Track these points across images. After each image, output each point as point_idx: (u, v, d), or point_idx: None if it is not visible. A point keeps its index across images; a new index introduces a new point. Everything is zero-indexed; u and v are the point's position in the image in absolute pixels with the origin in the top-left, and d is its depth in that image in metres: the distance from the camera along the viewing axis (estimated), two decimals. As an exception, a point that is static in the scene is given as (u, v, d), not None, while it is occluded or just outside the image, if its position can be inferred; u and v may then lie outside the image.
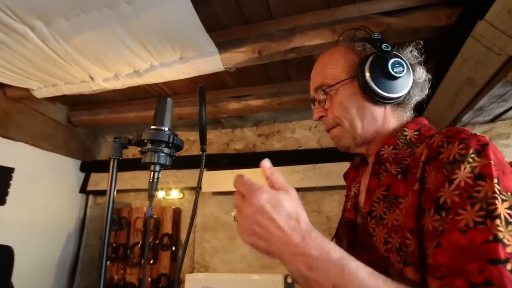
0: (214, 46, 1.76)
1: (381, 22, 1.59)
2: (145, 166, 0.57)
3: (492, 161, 0.45)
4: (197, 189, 0.57)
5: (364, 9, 1.59)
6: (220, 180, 2.63)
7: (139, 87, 2.23)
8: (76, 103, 2.82)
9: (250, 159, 2.75)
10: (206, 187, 2.68)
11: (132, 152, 3.11)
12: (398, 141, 0.63)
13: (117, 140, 0.56)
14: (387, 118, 0.67)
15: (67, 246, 2.82)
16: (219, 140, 3.00)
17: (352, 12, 1.60)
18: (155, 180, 0.55)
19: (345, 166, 2.45)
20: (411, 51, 0.68)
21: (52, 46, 1.66)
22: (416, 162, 0.54)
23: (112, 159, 0.56)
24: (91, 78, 2.02)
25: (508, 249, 0.40)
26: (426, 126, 0.65)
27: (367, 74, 0.62)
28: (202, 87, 0.59)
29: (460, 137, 0.49)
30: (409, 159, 0.57)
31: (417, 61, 0.68)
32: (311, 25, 1.70)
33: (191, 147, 3.07)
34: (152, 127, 0.56)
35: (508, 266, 0.39)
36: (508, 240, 0.40)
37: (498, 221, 0.41)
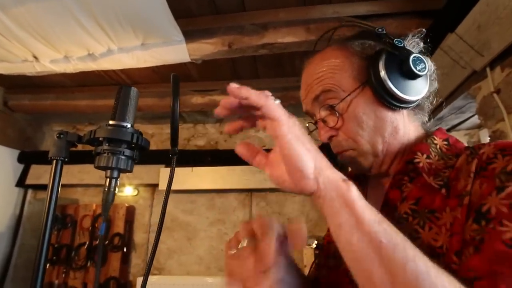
0: (180, 34, 1.63)
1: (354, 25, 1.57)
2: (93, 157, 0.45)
3: None
4: (165, 195, 0.46)
5: (339, 11, 1.57)
6: (179, 177, 2.48)
7: (92, 73, 2.01)
8: (15, 84, 2.48)
9: (212, 157, 2.64)
10: (163, 185, 2.52)
11: (81, 143, 2.83)
12: (430, 150, 0.53)
13: (62, 136, 0.44)
14: (407, 126, 0.57)
15: (-2, 247, 2.49)
16: (179, 135, 2.82)
17: (327, 12, 1.57)
18: (112, 190, 0.44)
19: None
20: (416, 41, 0.58)
21: (-15, 16, 1.41)
22: (457, 175, 0.47)
23: (55, 160, 0.44)
24: (35, 57, 1.77)
25: None
26: (453, 137, 0.56)
27: (383, 76, 0.52)
28: (176, 77, 0.47)
29: None
30: (447, 171, 0.49)
31: (423, 51, 0.57)
32: (285, 22, 1.64)
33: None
34: (111, 122, 0.44)
35: None
36: None
37: None
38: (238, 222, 2.51)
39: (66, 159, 0.45)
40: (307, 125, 0.63)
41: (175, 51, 1.71)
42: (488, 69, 1.22)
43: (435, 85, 0.59)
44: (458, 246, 0.42)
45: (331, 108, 0.56)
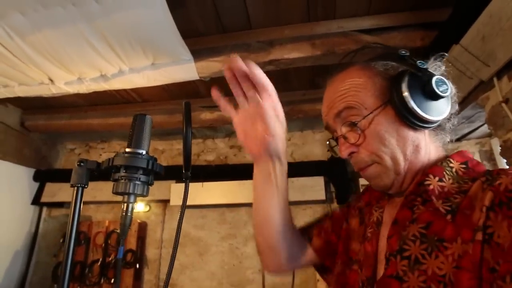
0: (189, 54, 1.67)
1: (359, 39, 1.60)
2: (107, 176, 0.48)
3: None
4: (180, 218, 0.49)
5: (343, 26, 1.59)
6: (189, 193, 2.49)
7: (104, 92, 2.08)
8: (31, 106, 2.57)
9: (222, 171, 2.66)
10: (174, 200, 2.54)
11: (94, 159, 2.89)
12: (444, 173, 0.53)
13: (82, 164, 0.46)
14: (428, 146, 0.58)
15: (14, 265, 2.52)
16: (189, 150, 2.87)
17: (331, 28, 1.60)
18: (129, 214, 0.46)
19: (317, 180, 2.46)
20: (437, 64, 0.59)
21: (4, 42, 1.48)
22: (471, 203, 0.46)
23: (76, 187, 0.46)
24: (51, 80, 1.84)
25: None
26: (474, 160, 0.56)
27: (406, 96, 0.53)
28: (188, 104, 0.50)
29: None
30: (459, 197, 0.48)
31: (443, 73, 0.59)
32: (290, 38, 1.67)
33: (159, 158, 2.92)
34: (127, 150, 0.46)
35: None
36: None
37: None
38: (250, 236, 2.51)
39: (86, 186, 0.47)
40: (328, 142, 0.66)
41: (184, 69, 1.76)
42: (495, 79, 1.22)
43: (456, 107, 0.59)
44: (469, 285, 0.41)
45: (353, 125, 0.57)
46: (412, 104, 0.53)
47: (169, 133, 2.84)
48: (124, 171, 0.46)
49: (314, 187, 2.39)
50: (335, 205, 2.46)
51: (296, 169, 2.50)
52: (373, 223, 0.61)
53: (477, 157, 1.98)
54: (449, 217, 0.47)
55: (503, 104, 1.18)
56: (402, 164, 0.56)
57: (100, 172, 0.48)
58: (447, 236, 0.46)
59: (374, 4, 1.50)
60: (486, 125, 1.50)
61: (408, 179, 0.57)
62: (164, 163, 2.85)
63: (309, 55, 1.66)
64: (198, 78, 1.83)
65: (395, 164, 0.56)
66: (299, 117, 2.38)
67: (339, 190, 2.41)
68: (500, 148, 1.30)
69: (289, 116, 2.37)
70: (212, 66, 1.78)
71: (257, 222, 0.71)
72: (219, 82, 2.21)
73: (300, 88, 2.24)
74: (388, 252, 0.52)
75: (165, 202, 2.69)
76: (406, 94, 0.53)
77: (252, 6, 1.50)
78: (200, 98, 2.41)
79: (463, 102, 1.48)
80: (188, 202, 2.51)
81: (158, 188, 2.62)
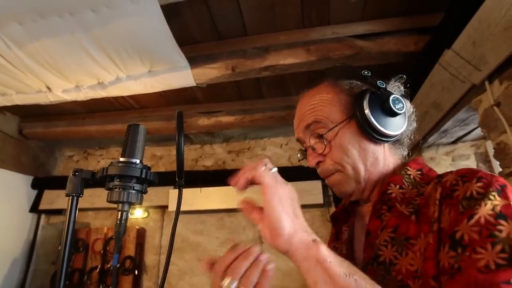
0: (185, 61, 1.69)
1: (354, 44, 1.62)
2: (105, 184, 0.49)
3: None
4: (173, 225, 0.49)
5: (338, 31, 1.62)
6: (188, 198, 2.51)
7: (102, 99, 2.09)
8: (29, 113, 2.58)
9: (220, 176, 2.67)
10: (173, 206, 2.55)
11: (91, 167, 2.89)
12: (404, 180, 0.59)
13: (77, 173, 0.47)
14: (387, 158, 0.64)
15: (12, 273, 2.52)
16: (187, 157, 2.88)
17: (326, 34, 1.62)
18: (123, 222, 0.47)
19: (315, 185, 2.46)
20: (397, 85, 0.65)
21: (2, 52, 1.50)
22: (426, 202, 0.52)
23: (70, 197, 0.47)
24: (48, 88, 1.85)
25: None
26: (427, 167, 0.62)
27: (367, 112, 0.58)
28: (181, 114, 0.51)
29: (478, 176, 0.47)
30: (418, 199, 0.54)
31: (402, 94, 0.65)
32: (286, 44, 1.69)
33: (157, 163, 2.92)
34: (121, 159, 0.47)
35: None
36: None
37: None
38: (248, 241, 2.51)
39: (81, 195, 0.48)
40: (297, 152, 0.71)
41: (181, 76, 1.77)
42: (486, 83, 1.24)
43: (414, 125, 0.66)
44: (434, 271, 0.45)
45: (320, 137, 0.63)
46: (372, 119, 0.58)
47: (167, 139, 2.85)
48: (118, 180, 0.47)
49: (312, 191, 2.40)
50: (332, 209, 2.46)
51: (294, 174, 2.51)
52: (345, 240, 0.66)
53: (472, 159, 2.00)
54: (413, 217, 0.52)
55: (495, 107, 1.20)
56: (362, 173, 0.61)
57: (95, 182, 0.49)
58: (411, 234, 0.51)
59: (368, 9, 1.52)
60: (480, 128, 1.52)
61: (369, 187, 0.63)
62: (162, 169, 2.86)
63: (304, 61, 1.68)
64: (195, 84, 1.84)
65: (356, 173, 0.61)
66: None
67: (336, 194, 2.42)
68: (494, 151, 1.32)
69: (285, 121, 2.41)
70: (209, 72, 1.79)
71: None
72: (216, 87, 2.22)
73: (296, 93, 2.22)
74: (364, 262, 0.55)
75: (164, 208, 2.69)
76: (367, 110, 0.59)
77: (248, 13, 1.52)
78: (197, 104, 2.43)
79: (457, 106, 1.50)
80: (187, 208, 2.51)
81: (156, 194, 2.62)
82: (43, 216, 2.85)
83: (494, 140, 1.28)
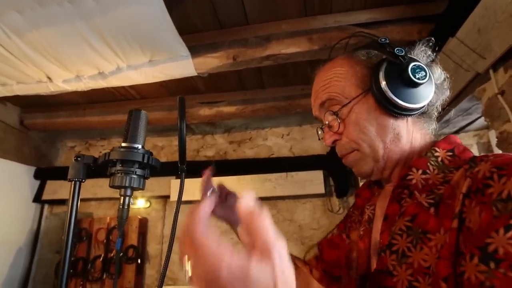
0: (186, 50, 1.68)
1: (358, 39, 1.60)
2: (107, 171, 0.49)
3: None
4: (175, 212, 0.49)
5: (340, 20, 1.59)
6: (190, 188, 2.50)
7: (103, 90, 2.08)
8: (30, 104, 2.58)
9: (222, 167, 2.67)
10: (174, 196, 2.56)
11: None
12: (429, 164, 0.52)
13: (79, 159, 0.47)
14: (411, 133, 0.57)
15: (17, 262, 2.55)
16: (189, 147, 2.89)
17: (328, 22, 1.60)
18: (126, 207, 0.47)
19: (317, 174, 2.47)
20: (423, 50, 0.58)
21: (1, 41, 1.48)
22: (452, 192, 0.46)
23: (73, 182, 0.47)
24: (49, 78, 1.84)
25: None
26: (461, 146, 0.55)
27: (384, 84, 0.53)
28: (182, 99, 0.50)
29: None
30: (442, 188, 0.48)
31: (431, 60, 0.58)
32: (287, 33, 1.67)
33: (159, 154, 2.93)
34: (123, 144, 0.47)
35: None
36: None
37: None
38: (249, 231, 2.52)
39: (83, 180, 0.48)
40: (317, 130, 0.66)
41: (182, 66, 1.76)
42: (491, 71, 1.23)
43: (447, 93, 0.59)
44: (446, 273, 0.41)
45: (335, 114, 0.58)
46: (389, 92, 0.53)
47: (169, 129, 2.85)
48: (120, 165, 0.47)
49: (313, 181, 2.40)
50: (334, 199, 2.47)
51: (296, 164, 2.52)
52: (365, 221, 0.62)
53: (475, 149, 1.99)
54: (432, 210, 0.47)
55: (499, 96, 1.18)
56: (381, 151, 0.56)
57: (97, 167, 0.49)
58: (430, 227, 0.46)
59: (371, -3, 1.50)
60: (483, 117, 1.51)
61: (389, 166, 0.58)
62: (163, 159, 2.87)
63: (306, 50, 1.66)
64: (196, 74, 1.83)
65: (373, 152, 0.56)
66: (297, 112, 2.39)
67: (338, 183, 2.42)
68: (496, 140, 1.31)
69: (287, 111, 2.41)
70: (210, 62, 1.78)
71: None
72: (217, 77, 2.21)
73: (298, 83, 2.24)
74: (380, 247, 0.52)
75: (165, 198, 2.70)
76: (383, 82, 0.53)
77: (249, 1, 1.50)
78: (199, 94, 2.42)
79: (460, 95, 1.49)
80: (188, 198, 2.52)
81: (158, 184, 2.63)
82: (46, 206, 2.87)
83: (497, 129, 1.27)
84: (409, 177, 0.52)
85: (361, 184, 1.23)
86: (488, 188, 0.40)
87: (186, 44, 1.62)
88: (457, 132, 1.95)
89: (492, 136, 2.08)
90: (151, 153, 0.49)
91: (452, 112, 1.60)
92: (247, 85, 2.31)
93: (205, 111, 2.48)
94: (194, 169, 2.69)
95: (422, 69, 0.53)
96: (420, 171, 0.52)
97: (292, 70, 2.08)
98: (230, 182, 2.54)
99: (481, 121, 1.77)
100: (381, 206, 0.60)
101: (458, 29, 1.29)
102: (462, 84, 1.41)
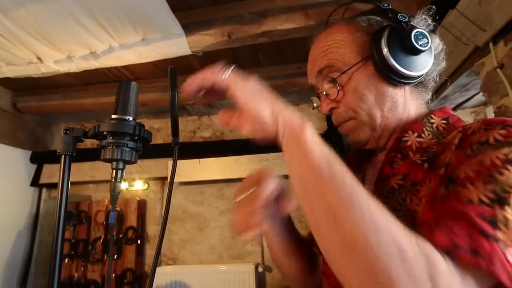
0: (180, 28, 1.63)
1: (354, 7, 1.55)
2: (100, 152, 0.48)
3: None
4: (169, 186, 0.48)
5: (337, -6, 1.54)
6: (187, 169, 2.52)
7: (96, 71, 2.03)
8: (22, 87, 2.52)
9: (218, 147, 2.67)
10: (172, 178, 2.57)
11: (91, 140, 2.88)
12: (424, 129, 0.53)
13: (68, 132, 0.46)
14: (408, 102, 0.57)
15: (18, 245, 2.57)
16: (185, 128, 2.87)
17: (325, -4, 1.55)
18: (118, 180, 0.46)
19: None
20: (424, 18, 0.56)
21: (-12, 20, 1.43)
22: (444, 148, 0.47)
23: (63, 155, 0.46)
24: (39, 59, 1.80)
25: (502, 236, 0.34)
26: (455, 117, 0.55)
27: (386, 51, 0.51)
28: (173, 69, 0.49)
29: (505, 123, 0.41)
30: (435, 147, 0.49)
31: (431, 29, 0.56)
32: (283, 8, 1.62)
33: (156, 136, 2.91)
34: (113, 116, 0.46)
35: (502, 246, 0.33)
36: (504, 234, 0.34)
37: (507, 208, 0.34)
38: (248, 210, 2.55)
39: (73, 154, 0.47)
40: (312, 99, 0.65)
41: (176, 44, 1.72)
42: (491, 44, 1.21)
43: (443, 64, 0.58)
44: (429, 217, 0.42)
45: (333, 81, 0.57)
46: (391, 59, 0.52)
47: (164, 111, 2.81)
48: (111, 137, 0.46)
49: (310, 161, 2.41)
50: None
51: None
52: None
53: (472, 126, 1.99)
54: (425, 165, 0.48)
55: (498, 70, 1.17)
56: (378, 120, 0.56)
57: (87, 138, 0.48)
58: (418, 179, 0.47)
59: (369, -31, 1.45)
60: (481, 94, 1.50)
61: (385, 134, 0.58)
62: (160, 141, 2.85)
63: (302, 26, 1.62)
64: (190, 53, 1.79)
65: (371, 120, 0.56)
66: (294, 91, 2.36)
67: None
68: (494, 115, 1.30)
69: (284, 90, 2.37)
70: (204, 39, 1.74)
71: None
72: (212, 56, 2.16)
73: (294, 61, 2.20)
74: None
75: (163, 179, 2.71)
76: (385, 48, 0.52)
77: (243, -26, 1.45)
78: (194, 73, 2.37)
79: (458, 70, 1.47)
80: (186, 179, 2.52)
81: (156, 166, 2.63)
82: (44, 190, 2.87)
83: (495, 104, 1.26)
84: (405, 138, 0.53)
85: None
86: (472, 136, 0.43)
87: (179, 22, 1.58)
88: (454, 109, 1.94)
89: (489, 112, 2.08)
90: (142, 125, 0.48)
91: (450, 87, 1.58)
92: (243, 64, 2.27)
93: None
94: (191, 150, 2.70)
95: (424, 36, 0.52)
96: (415, 134, 0.53)
97: (289, 48, 2.04)
98: (228, 162, 2.54)
99: (479, 98, 1.76)
100: (373, 173, 0.60)
101: (458, 2, 1.26)
102: (461, 59, 1.39)
